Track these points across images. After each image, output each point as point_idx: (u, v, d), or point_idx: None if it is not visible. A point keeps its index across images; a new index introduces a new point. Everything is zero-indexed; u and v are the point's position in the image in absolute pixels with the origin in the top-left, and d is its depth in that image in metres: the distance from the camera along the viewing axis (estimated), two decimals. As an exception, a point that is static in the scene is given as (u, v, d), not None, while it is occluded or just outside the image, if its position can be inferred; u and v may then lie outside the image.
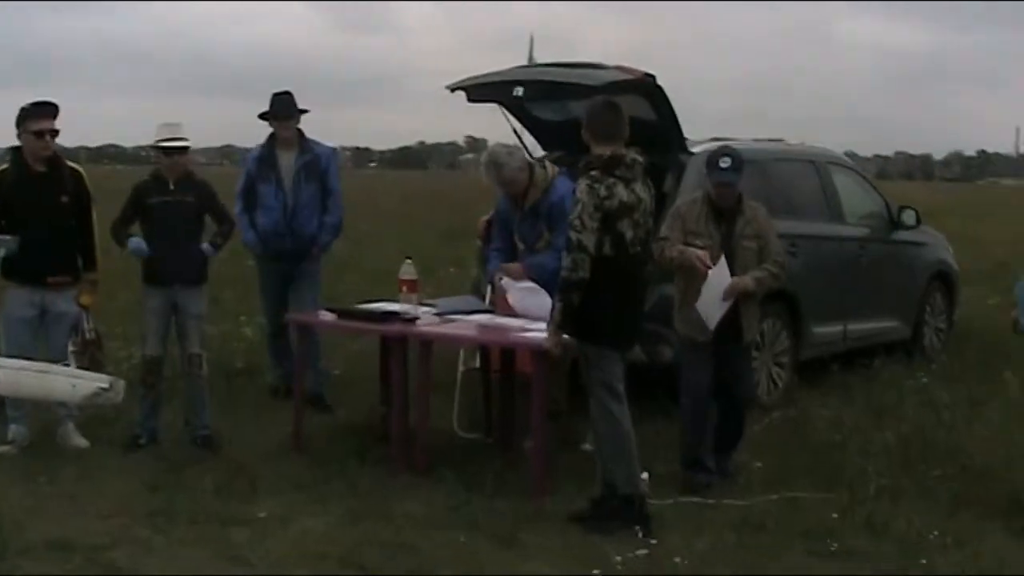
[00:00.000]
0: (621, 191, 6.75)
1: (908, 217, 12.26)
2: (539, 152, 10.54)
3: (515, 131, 10.49)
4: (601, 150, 6.85)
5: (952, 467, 8.07)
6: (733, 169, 7.68)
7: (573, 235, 6.68)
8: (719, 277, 7.54)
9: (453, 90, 9.67)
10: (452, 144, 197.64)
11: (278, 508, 7.15)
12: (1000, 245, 23.24)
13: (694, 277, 7.60)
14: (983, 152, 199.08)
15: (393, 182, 66.69)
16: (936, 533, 6.78)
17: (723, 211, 7.74)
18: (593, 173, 6.78)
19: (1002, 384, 10.10)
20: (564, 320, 6.82)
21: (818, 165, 11.58)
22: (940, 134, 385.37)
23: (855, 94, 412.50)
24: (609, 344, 6.92)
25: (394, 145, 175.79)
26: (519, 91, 9.38)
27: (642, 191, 6.94)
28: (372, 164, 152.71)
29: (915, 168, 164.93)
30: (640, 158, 6.96)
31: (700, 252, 7.54)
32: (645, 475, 7.48)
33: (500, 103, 10.14)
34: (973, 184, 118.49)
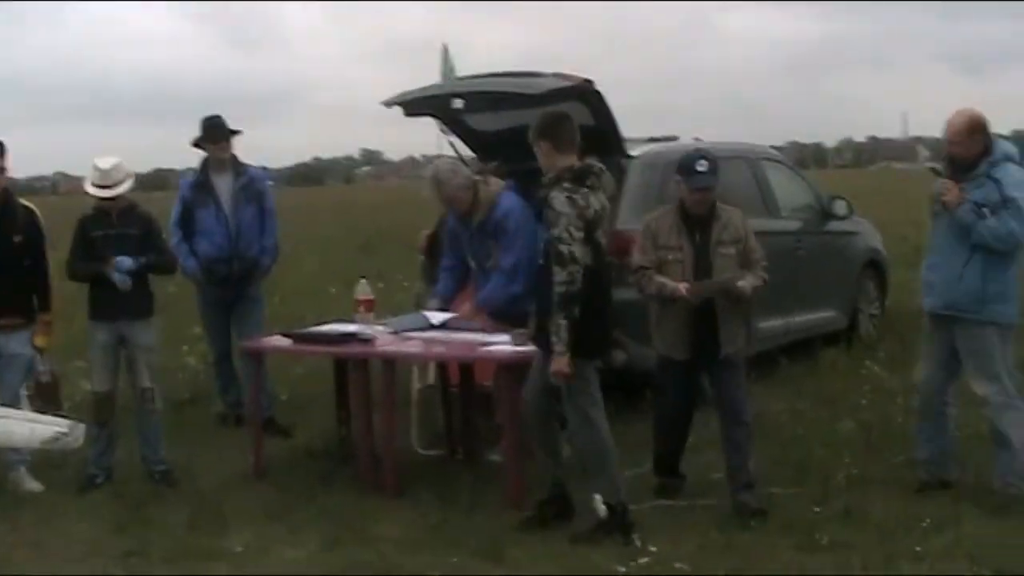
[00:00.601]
0: (594, 200, 6.76)
1: (839, 207, 12.40)
2: (475, 162, 10.52)
3: (451, 144, 10.46)
4: (566, 161, 6.84)
5: (913, 452, 8.12)
6: (711, 172, 7.30)
7: (564, 248, 6.61)
8: None
9: (389, 105, 9.59)
10: (348, 158, 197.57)
11: (253, 540, 7.04)
12: (908, 227, 23.45)
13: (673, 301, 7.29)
14: (873, 138, 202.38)
15: (294, 199, 66.22)
16: (923, 519, 6.86)
17: (696, 219, 7.35)
18: (567, 185, 6.75)
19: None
20: (571, 337, 6.65)
21: (751, 161, 11.64)
22: (830, 122, 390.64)
23: (745, 85, 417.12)
24: (593, 355, 6.89)
25: (289, 162, 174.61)
26: (459, 103, 9.32)
27: (604, 199, 6.93)
28: (270, 183, 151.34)
29: (808, 156, 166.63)
30: (603, 167, 6.94)
31: (678, 287, 7.17)
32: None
33: (436, 116, 10.10)
34: (866, 170, 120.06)
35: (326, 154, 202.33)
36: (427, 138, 10.32)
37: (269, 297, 14.48)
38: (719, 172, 7.41)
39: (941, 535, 6.67)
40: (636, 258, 7.37)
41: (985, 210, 7.09)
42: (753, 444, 7.54)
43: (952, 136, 7.27)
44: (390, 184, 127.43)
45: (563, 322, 6.62)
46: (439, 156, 10.35)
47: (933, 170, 7.61)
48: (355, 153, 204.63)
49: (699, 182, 7.28)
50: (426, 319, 8.70)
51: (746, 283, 7.24)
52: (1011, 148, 7.35)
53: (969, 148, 7.24)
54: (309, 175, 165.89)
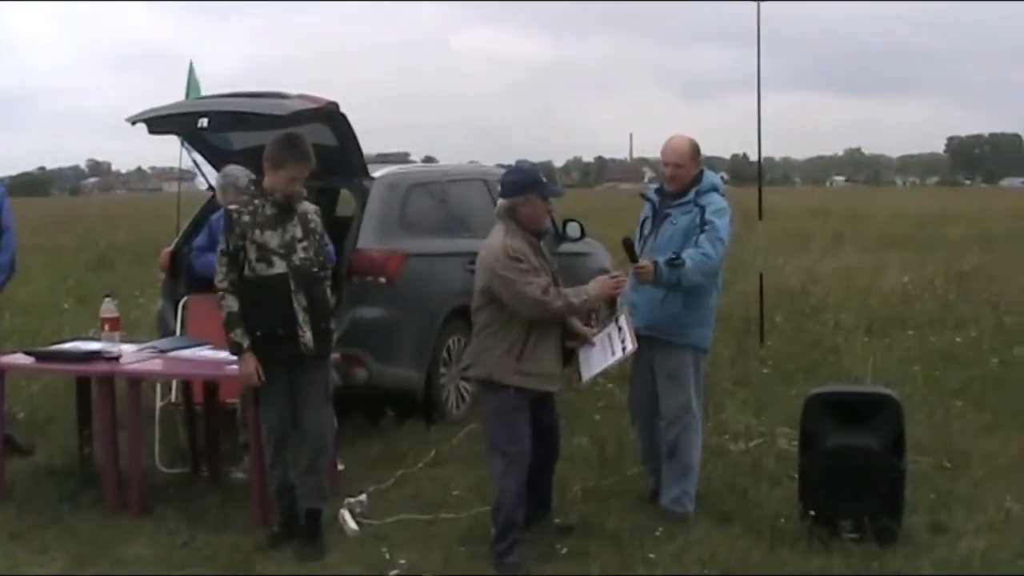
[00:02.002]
0: None
1: (572, 230, 12.81)
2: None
3: (195, 162, 10.51)
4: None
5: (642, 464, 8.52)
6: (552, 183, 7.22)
7: None
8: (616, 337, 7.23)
9: (134, 123, 9.56)
10: (74, 168, 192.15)
11: (-2, 561, 6.95)
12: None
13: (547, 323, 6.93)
14: (600, 158, 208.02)
15: (19, 210, 64.04)
16: (656, 528, 7.27)
17: (537, 236, 7.08)
18: None
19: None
20: None
21: (489, 183, 11.93)
22: (559, 141, 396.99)
23: (476, 103, 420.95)
24: None
25: (13, 171, 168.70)
26: (204, 122, 9.37)
27: None
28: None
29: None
30: None
31: (615, 276, 7.24)
32: (363, 497, 7.69)
33: (180, 134, 10.14)
34: (593, 189, 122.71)
35: (52, 164, 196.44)
36: (156, 150, 10.25)
37: None
38: None
39: (673, 542, 7.06)
40: (537, 281, 6.80)
41: (681, 255, 7.30)
42: None
43: (678, 159, 7.56)
44: (118, 197, 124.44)
45: None
46: (171, 169, 10.38)
47: (642, 195, 7.98)
48: (82, 163, 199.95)
49: (556, 191, 7.32)
50: (188, 340, 8.73)
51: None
52: (718, 179, 7.70)
53: (690, 170, 7.58)
54: (34, 185, 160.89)
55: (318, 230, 7.20)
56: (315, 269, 7.11)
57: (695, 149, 7.65)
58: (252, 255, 6.98)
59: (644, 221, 7.80)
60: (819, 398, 7.39)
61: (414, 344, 9.95)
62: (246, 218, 7.03)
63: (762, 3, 13.35)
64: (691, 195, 7.57)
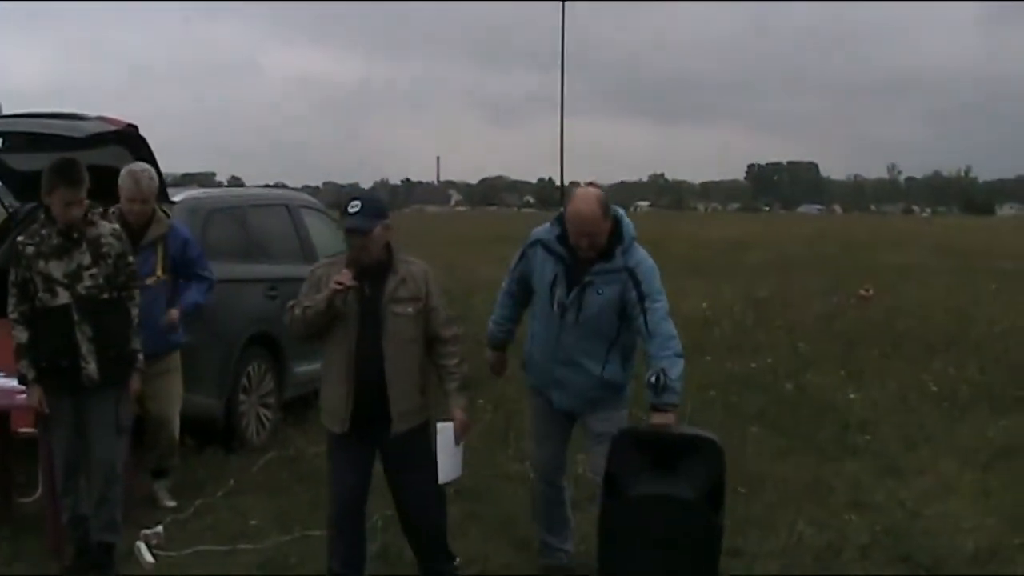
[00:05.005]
0: None
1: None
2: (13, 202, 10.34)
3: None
4: None
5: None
6: (364, 213, 6.29)
7: None
8: (444, 432, 6.42)
9: (-78, 142, 9.27)
10: None
11: None
12: (454, 270, 24.31)
13: (332, 348, 6.43)
14: (408, 180, 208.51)
15: None
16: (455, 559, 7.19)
17: (369, 270, 6.34)
18: None
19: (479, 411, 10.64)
20: None
21: (291, 208, 11.89)
22: (366, 163, 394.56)
23: (285, 125, 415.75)
24: None
25: None
26: (-2, 142, 9.13)
27: None
28: None
29: (345, 198, 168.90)
30: None
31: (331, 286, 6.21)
32: (159, 528, 7.56)
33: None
34: (401, 212, 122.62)
35: None
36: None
37: None
38: (381, 215, 6.39)
39: (473, 565, 7.17)
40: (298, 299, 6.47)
41: (660, 372, 6.43)
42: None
43: (593, 227, 6.41)
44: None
45: None
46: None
47: (541, 243, 6.75)
48: None
49: (349, 223, 6.35)
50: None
51: (459, 412, 6.52)
52: (630, 223, 6.62)
53: (605, 229, 6.48)
54: None
55: (112, 253, 7.00)
56: (105, 296, 6.95)
57: (604, 204, 6.46)
58: (39, 285, 6.87)
59: (554, 279, 6.63)
60: (629, 436, 6.49)
61: (213, 371, 9.81)
62: (31, 249, 6.89)
63: (567, 31, 13.51)
64: (617, 258, 6.51)
